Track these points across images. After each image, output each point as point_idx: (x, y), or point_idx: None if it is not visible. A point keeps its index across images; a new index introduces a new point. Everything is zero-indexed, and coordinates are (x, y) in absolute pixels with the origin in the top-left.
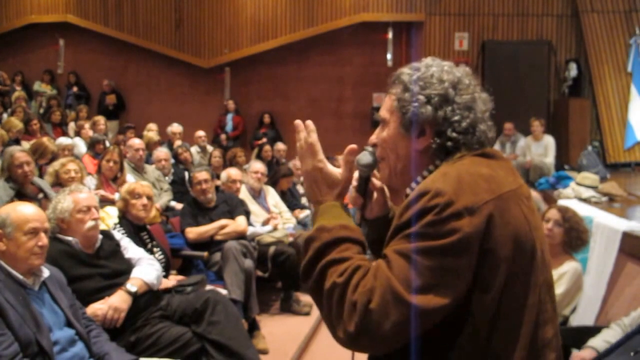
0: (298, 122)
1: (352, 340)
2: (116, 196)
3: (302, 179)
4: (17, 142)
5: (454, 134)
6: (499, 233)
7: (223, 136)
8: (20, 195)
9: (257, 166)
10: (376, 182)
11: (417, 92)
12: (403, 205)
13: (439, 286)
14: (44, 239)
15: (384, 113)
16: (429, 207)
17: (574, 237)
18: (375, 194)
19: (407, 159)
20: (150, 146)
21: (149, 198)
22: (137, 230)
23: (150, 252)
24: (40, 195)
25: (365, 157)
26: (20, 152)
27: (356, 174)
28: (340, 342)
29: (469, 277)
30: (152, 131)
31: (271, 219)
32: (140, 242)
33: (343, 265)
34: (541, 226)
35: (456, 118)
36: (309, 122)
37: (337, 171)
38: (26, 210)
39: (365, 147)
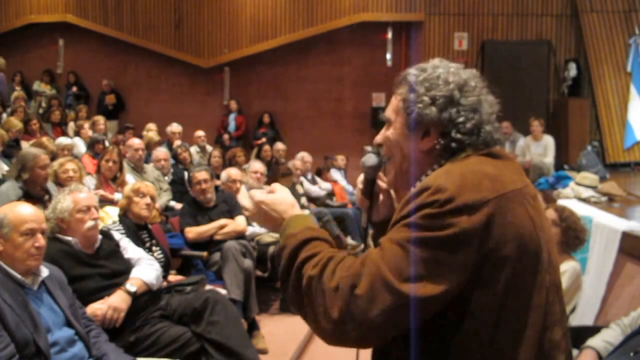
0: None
1: (337, 328)
2: (115, 196)
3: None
4: (16, 141)
5: (459, 135)
6: (501, 232)
7: (226, 136)
8: (28, 195)
9: (257, 166)
10: (382, 184)
11: (423, 93)
12: (404, 199)
13: (429, 277)
14: (40, 240)
15: (389, 113)
16: (429, 202)
17: (572, 237)
18: (381, 196)
19: (411, 160)
20: (150, 146)
21: (152, 198)
22: (137, 228)
23: (149, 250)
24: (47, 197)
25: (370, 159)
26: (45, 155)
27: (361, 177)
28: (325, 334)
29: (463, 273)
30: (151, 131)
31: None
32: (140, 241)
33: (316, 259)
34: (548, 226)
35: (461, 119)
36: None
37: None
38: (23, 210)
39: (365, 147)
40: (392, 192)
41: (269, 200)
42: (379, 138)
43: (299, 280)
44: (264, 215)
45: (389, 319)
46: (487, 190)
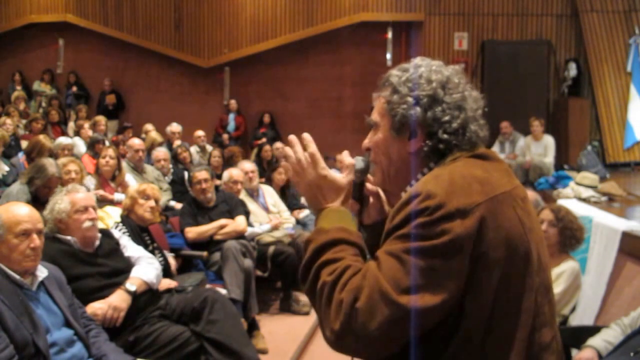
0: (292, 137)
1: (338, 340)
2: (115, 196)
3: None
4: (16, 141)
5: (445, 136)
6: (492, 236)
7: (225, 136)
8: (35, 199)
9: (247, 166)
10: (371, 187)
11: (406, 93)
12: (395, 208)
13: (428, 287)
14: (36, 241)
15: (375, 116)
16: (420, 210)
17: (569, 236)
18: (371, 199)
19: (400, 162)
20: (153, 147)
21: (157, 202)
22: (139, 231)
23: (152, 254)
24: None
25: (357, 163)
26: (57, 175)
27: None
28: (328, 342)
29: (460, 279)
30: (154, 132)
31: (274, 221)
32: (142, 243)
33: (335, 265)
34: (538, 228)
35: (446, 118)
36: (306, 135)
37: (340, 176)
38: (18, 211)
39: (364, 154)
40: (382, 194)
41: (330, 179)
42: (366, 142)
43: (315, 280)
44: (314, 188)
45: (388, 332)
46: (477, 193)
